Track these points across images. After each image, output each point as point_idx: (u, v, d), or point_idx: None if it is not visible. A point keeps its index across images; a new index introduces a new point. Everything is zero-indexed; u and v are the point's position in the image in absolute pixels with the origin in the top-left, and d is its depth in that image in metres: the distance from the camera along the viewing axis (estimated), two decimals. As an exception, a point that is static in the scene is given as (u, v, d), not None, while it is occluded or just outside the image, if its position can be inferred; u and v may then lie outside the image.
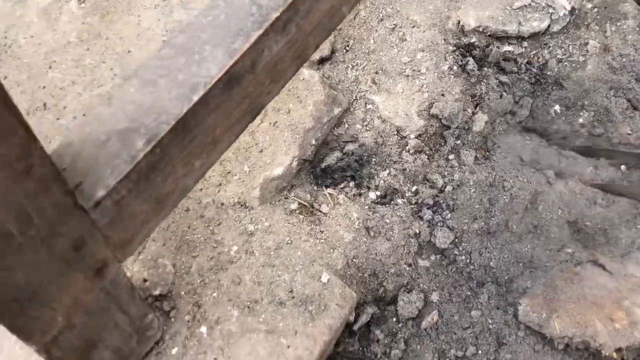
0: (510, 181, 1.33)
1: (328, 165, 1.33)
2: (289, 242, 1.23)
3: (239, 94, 0.75)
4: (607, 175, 1.37)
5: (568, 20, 1.52)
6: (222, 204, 1.23)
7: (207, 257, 1.16)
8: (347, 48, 1.45)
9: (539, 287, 1.24)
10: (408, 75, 1.41)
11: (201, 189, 1.23)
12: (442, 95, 1.39)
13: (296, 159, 1.28)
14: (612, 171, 1.37)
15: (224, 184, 1.25)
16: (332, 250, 1.25)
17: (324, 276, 1.18)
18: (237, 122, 0.80)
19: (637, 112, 1.44)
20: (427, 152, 1.38)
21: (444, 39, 1.47)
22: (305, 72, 1.35)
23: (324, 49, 1.41)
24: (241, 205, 1.23)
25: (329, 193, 1.32)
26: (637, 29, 1.56)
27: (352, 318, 1.19)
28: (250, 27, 0.72)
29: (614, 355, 1.15)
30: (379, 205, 1.32)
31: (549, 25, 1.50)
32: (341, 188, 1.34)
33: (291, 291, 1.17)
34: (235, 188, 1.24)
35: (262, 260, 1.18)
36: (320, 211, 1.30)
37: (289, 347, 1.11)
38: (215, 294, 1.13)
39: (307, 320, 1.14)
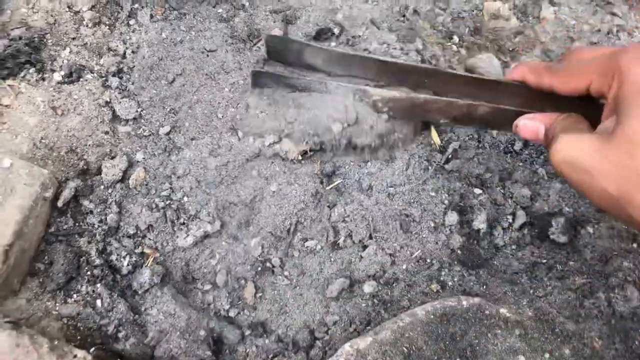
0: (183, 27, 1.38)
1: (-5, 56, 1.27)
2: (-36, 140, 1.20)
3: None
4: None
5: None
6: None
7: None
8: None
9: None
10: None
11: None
12: (106, -40, 1.37)
13: (-47, 55, 1.21)
14: None
15: None
16: (15, 137, 1.23)
17: (6, 162, 1.18)
18: None
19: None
20: (107, 22, 1.37)
21: None
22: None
23: None
24: None
25: (9, 85, 1.28)
26: None
27: (48, 195, 1.21)
28: None
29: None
30: (65, 85, 1.31)
31: None
32: (22, 77, 1.30)
33: (-27, 185, 1.15)
34: None
35: None
36: (2, 104, 1.26)
37: (-21, 234, 1.11)
38: None
39: (-5, 205, 1.14)
